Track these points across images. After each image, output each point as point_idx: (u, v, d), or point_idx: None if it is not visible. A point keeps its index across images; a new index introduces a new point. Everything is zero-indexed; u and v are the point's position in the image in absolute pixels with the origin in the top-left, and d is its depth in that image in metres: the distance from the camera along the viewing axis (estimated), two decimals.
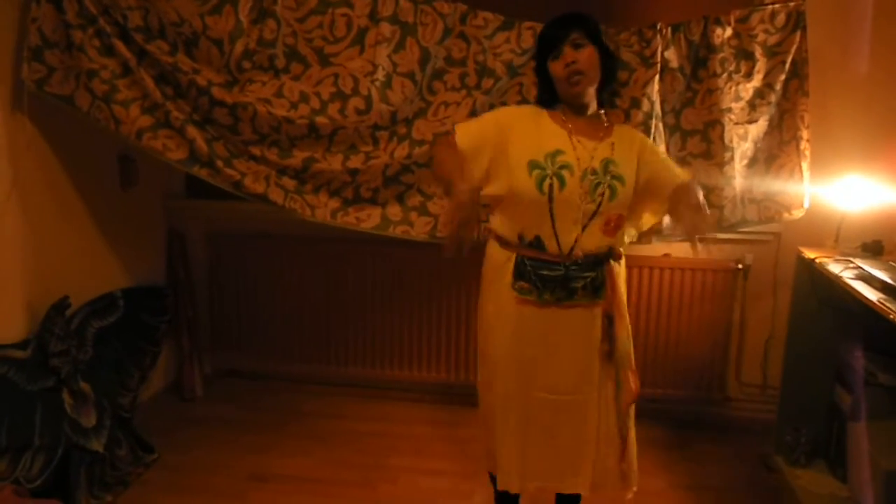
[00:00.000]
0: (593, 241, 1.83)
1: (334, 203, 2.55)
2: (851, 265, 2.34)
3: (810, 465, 2.69)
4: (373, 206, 2.58)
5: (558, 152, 1.80)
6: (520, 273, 1.85)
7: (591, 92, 1.86)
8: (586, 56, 1.80)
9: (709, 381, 3.10)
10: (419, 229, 2.59)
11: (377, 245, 3.05)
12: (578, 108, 1.87)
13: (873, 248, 2.51)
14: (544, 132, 1.84)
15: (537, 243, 1.83)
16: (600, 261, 1.85)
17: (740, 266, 3.00)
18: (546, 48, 1.85)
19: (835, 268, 2.35)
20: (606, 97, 1.98)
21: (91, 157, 2.75)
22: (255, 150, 2.44)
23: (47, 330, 2.36)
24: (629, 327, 1.95)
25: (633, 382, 1.92)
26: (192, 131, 2.38)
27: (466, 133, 1.89)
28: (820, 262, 2.44)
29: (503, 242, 1.90)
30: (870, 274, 2.21)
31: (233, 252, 3.33)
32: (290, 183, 2.50)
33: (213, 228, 3.35)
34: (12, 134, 2.34)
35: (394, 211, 2.59)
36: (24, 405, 2.24)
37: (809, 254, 2.54)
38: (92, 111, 2.35)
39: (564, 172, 1.78)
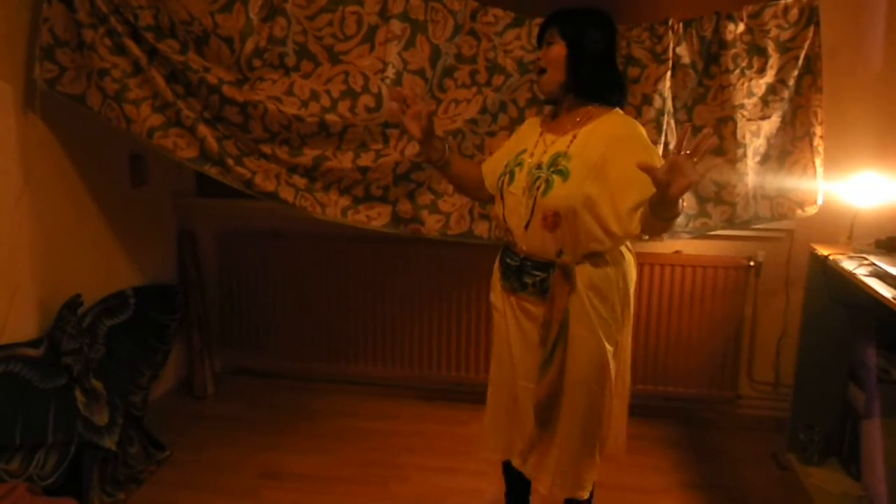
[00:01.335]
0: (537, 236, 1.79)
1: (345, 201, 2.55)
2: (865, 262, 2.32)
3: (823, 464, 2.68)
4: (383, 203, 2.58)
5: (522, 151, 1.87)
6: (501, 258, 1.96)
7: (561, 90, 1.82)
8: (550, 53, 1.80)
9: (720, 379, 3.08)
10: (430, 227, 2.58)
11: (388, 243, 3.05)
12: (559, 103, 1.88)
13: (887, 245, 2.49)
14: (527, 136, 1.93)
15: (506, 233, 1.91)
16: (552, 264, 1.78)
17: (752, 263, 2.98)
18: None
19: (848, 265, 2.33)
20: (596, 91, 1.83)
21: (102, 156, 2.76)
22: (266, 149, 2.44)
23: (60, 328, 2.37)
24: (602, 342, 1.81)
25: (542, 392, 1.83)
26: (202, 130, 2.38)
27: (489, 162, 2.05)
28: (833, 259, 2.42)
29: None
30: (884, 271, 2.20)
31: (243, 250, 3.33)
32: (300, 181, 2.50)
33: (224, 227, 3.35)
34: (24, 133, 2.35)
35: (404, 209, 2.59)
36: (38, 403, 2.24)
37: (822, 251, 2.52)
38: (103, 110, 2.36)
39: (516, 169, 1.84)
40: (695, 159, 1.43)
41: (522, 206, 1.80)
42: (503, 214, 1.87)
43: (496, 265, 1.98)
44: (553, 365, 1.81)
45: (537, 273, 1.82)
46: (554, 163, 1.76)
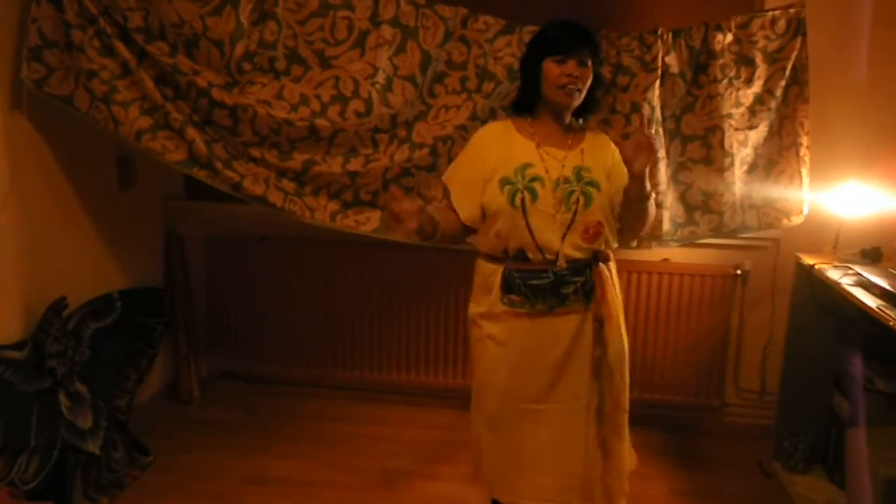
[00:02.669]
0: (575, 249, 1.82)
1: (333, 206, 2.55)
2: (850, 272, 2.34)
3: (808, 472, 2.69)
4: (372, 208, 2.58)
5: (527, 165, 1.82)
6: (508, 286, 1.85)
7: (574, 107, 1.86)
8: (586, 75, 1.81)
9: (707, 387, 3.09)
10: None
11: (376, 248, 3.04)
12: (556, 115, 1.87)
13: (872, 255, 2.51)
14: (513, 147, 1.86)
15: (521, 255, 1.84)
16: (588, 264, 1.85)
17: (739, 272, 2.99)
18: (550, 50, 1.81)
19: (834, 274, 2.35)
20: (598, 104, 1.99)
21: (90, 158, 2.74)
22: (255, 152, 2.43)
23: (44, 331, 2.35)
24: (624, 331, 1.90)
25: (620, 390, 1.90)
26: (191, 133, 2.37)
27: (458, 187, 1.92)
28: (819, 269, 2.44)
29: (489, 258, 1.92)
30: (869, 280, 2.21)
31: (231, 254, 3.32)
32: (289, 185, 2.49)
33: (212, 230, 3.34)
34: (11, 134, 2.33)
35: None
36: (21, 406, 2.22)
37: (808, 260, 2.54)
38: (91, 112, 2.35)
39: (535, 185, 1.80)
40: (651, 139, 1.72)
41: (557, 222, 1.80)
42: (530, 234, 1.80)
43: (497, 295, 1.87)
44: (619, 369, 1.88)
45: (577, 278, 1.83)
46: (580, 176, 1.81)
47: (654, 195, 1.82)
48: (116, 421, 2.66)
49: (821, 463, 2.71)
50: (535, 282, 1.82)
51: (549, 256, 1.81)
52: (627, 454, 1.99)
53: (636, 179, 1.74)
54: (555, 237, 1.80)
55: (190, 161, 2.41)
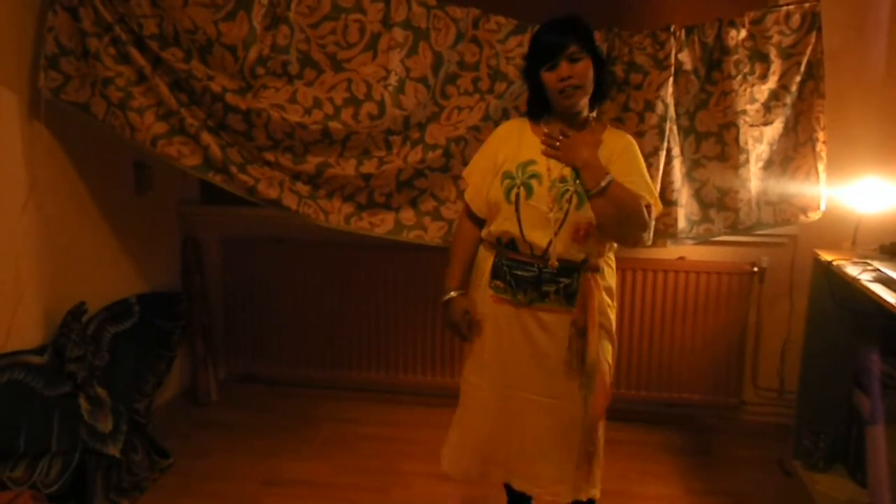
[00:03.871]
0: (565, 248, 1.82)
1: (348, 208, 2.56)
2: (869, 267, 2.32)
3: (829, 470, 2.67)
4: (386, 210, 2.58)
5: (530, 162, 1.84)
6: (496, 272, 1.91)
7: (584, 102, 1.86)
8: (582, 69, 1.79)
9: (725, 386, 3.08)
10: (433, 234, 2.59)
11: (390, 250, 3.05)
12: (569, 119, 1.87)
13: (891, 251, 2.49)
14: (523, 144, 1.89)
15: (512, 245, 1.88)
16: (576, 268, 1.84)
17: (756, 269, 2.98)
18: (541, 58, 1.82)
19: (852, 270, 2.33)
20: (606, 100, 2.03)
21: (107, 164, 2.77)
22: (269, 156, 2.45)
23: (64, 335, 2.38)
24: (608, 343, 1.90)
25: (601, 399, 1.86)
26: (206, 137, 2.39)
27: (474, 181, 1.98)
28: (837, 265, 2.42)
29: (486, 244, 1.98)
30: (888, 276, 2.19)
31: (247, 257, 3.34)
32: (303, 188, 2.50)
33: (228, 234, 3.36)
34: (29, 141, 2.36)
35: (407, 216, 2.59)
36: (42, 411, 2.25)
37: (826, 256, 2.52)
38: (107, 118, 2.37)
39: (533, 182, 1.82)
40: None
41: (548, 219, 1.80)
42: (520, 229, 1.83)
43: (487, 279, 1.94)
44: (595, 376, 1.84)
45: (562, 280, 1.83)
46: (578, 176, 1.81)
47: (606, 190, 1.77)
48: (136, 424, 2.69)
49: (842, 461, 2.69)
50: (519, 272, 1.86)
51: (536, 252, 1.83)
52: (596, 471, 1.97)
53: (582, 169, 1.79)
54: (543, 234, 1.81)
55: (205, 166, 2.43)
